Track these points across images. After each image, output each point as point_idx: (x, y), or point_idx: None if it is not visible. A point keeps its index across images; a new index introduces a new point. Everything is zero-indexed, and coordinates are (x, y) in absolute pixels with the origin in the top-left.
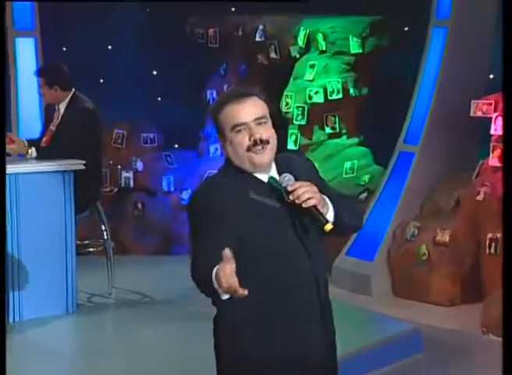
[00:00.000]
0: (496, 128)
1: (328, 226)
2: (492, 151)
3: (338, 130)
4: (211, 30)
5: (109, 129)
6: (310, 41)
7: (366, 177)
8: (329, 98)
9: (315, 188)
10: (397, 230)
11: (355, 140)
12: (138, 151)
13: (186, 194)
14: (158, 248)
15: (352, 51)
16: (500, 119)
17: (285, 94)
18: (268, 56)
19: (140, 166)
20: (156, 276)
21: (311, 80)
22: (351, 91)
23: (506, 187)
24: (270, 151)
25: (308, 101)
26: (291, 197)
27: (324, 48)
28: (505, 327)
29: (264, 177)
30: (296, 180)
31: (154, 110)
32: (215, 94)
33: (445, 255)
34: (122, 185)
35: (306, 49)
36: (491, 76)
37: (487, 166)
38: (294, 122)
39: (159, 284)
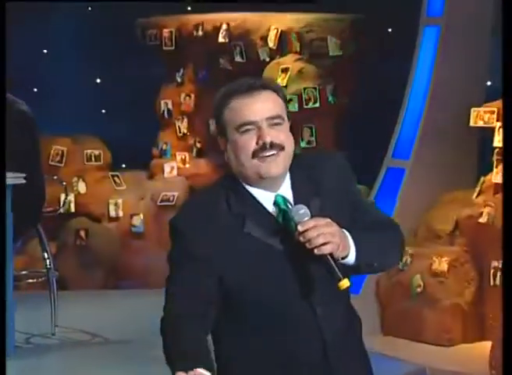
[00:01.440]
0: (500, 139)
1: (345, 284)
2: (496, 167)
3: (315, 143)
4: (165, 31)
5: (46, 145)
6: (282, 42)
7: None
8: (305, 106)
9: (335, 228)
10: None
11: None
12: (80, 170)
13: (136, 220)
14: (104, 282)
15: (331, 54)
16: None
17: None
18: (233, 60)
19: (82, 187)
20: (105, 313)
21: (284, 87)
22: (330, 98)
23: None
24: (283, 160)
25: None
26: (301, 238)
27: (298, 50)
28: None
29: (270, 198)
30: (312, 209)
31: (98, 124)
32: (170, 105)
33: (442, 287)
34: (62, 210)
35: (277, 51)
36: (488, 83)
37: (490, 184)
38: None
39: (110, 322)
